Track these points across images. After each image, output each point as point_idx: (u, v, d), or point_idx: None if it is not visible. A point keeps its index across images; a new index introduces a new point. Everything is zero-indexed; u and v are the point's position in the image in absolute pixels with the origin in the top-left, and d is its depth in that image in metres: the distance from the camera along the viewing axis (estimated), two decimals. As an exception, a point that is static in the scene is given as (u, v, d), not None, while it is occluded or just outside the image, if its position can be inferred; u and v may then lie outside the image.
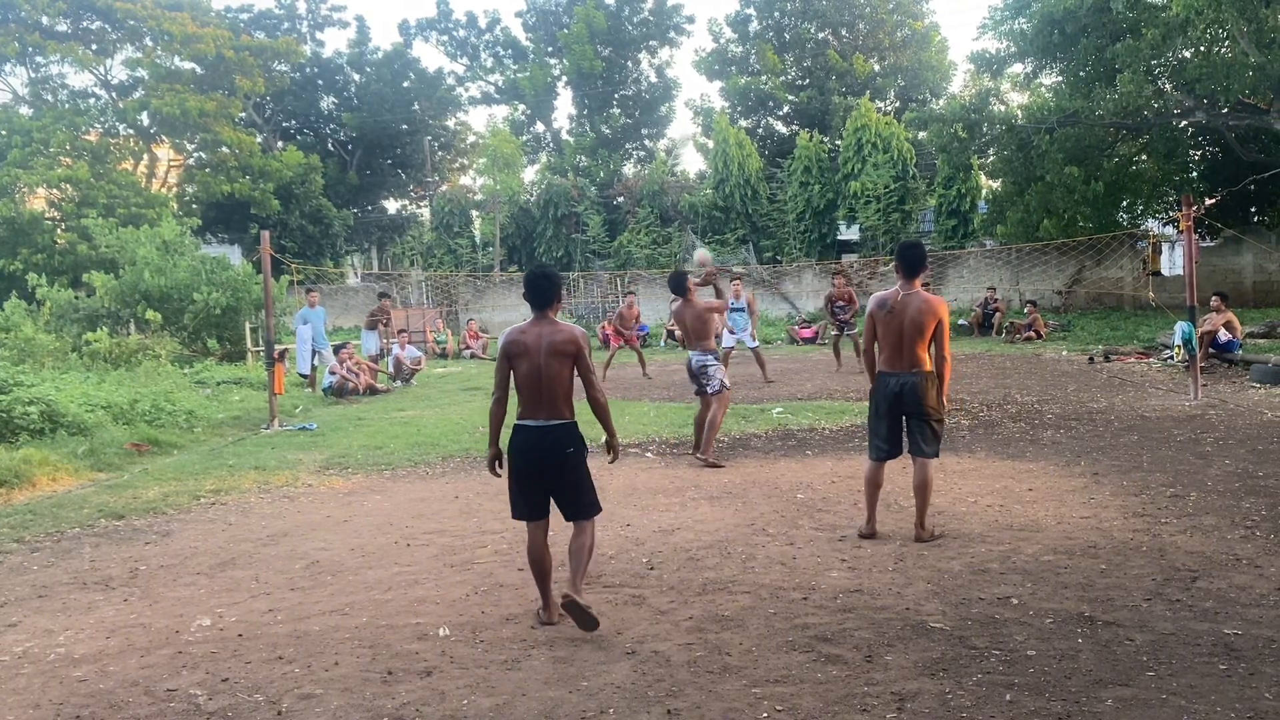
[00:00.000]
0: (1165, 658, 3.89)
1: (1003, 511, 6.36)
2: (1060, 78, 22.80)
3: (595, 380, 4.70)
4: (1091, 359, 16.21)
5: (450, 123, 44.91)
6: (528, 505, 4.61)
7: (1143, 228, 25.32)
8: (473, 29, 43.69)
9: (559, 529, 4.75)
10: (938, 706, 3.54)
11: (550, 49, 39.85)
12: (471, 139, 45.20)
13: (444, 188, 38.74)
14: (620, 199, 32.45)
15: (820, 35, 36.57)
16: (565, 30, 37.81)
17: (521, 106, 40.44)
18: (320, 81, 42.09)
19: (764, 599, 4.81)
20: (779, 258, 30.10)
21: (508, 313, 27.03)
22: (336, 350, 15.64)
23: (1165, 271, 26.54)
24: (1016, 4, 21.64)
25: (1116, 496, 6.66)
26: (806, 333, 23.55)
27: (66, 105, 31.11)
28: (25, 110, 30.88)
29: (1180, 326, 13.18)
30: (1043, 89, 24.33)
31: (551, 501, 4.66)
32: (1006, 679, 3.75)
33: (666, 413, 11.73)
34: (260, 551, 6.14)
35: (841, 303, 16.03)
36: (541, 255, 31.90)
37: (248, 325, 19.00)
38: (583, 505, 4.65)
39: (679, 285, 8.71)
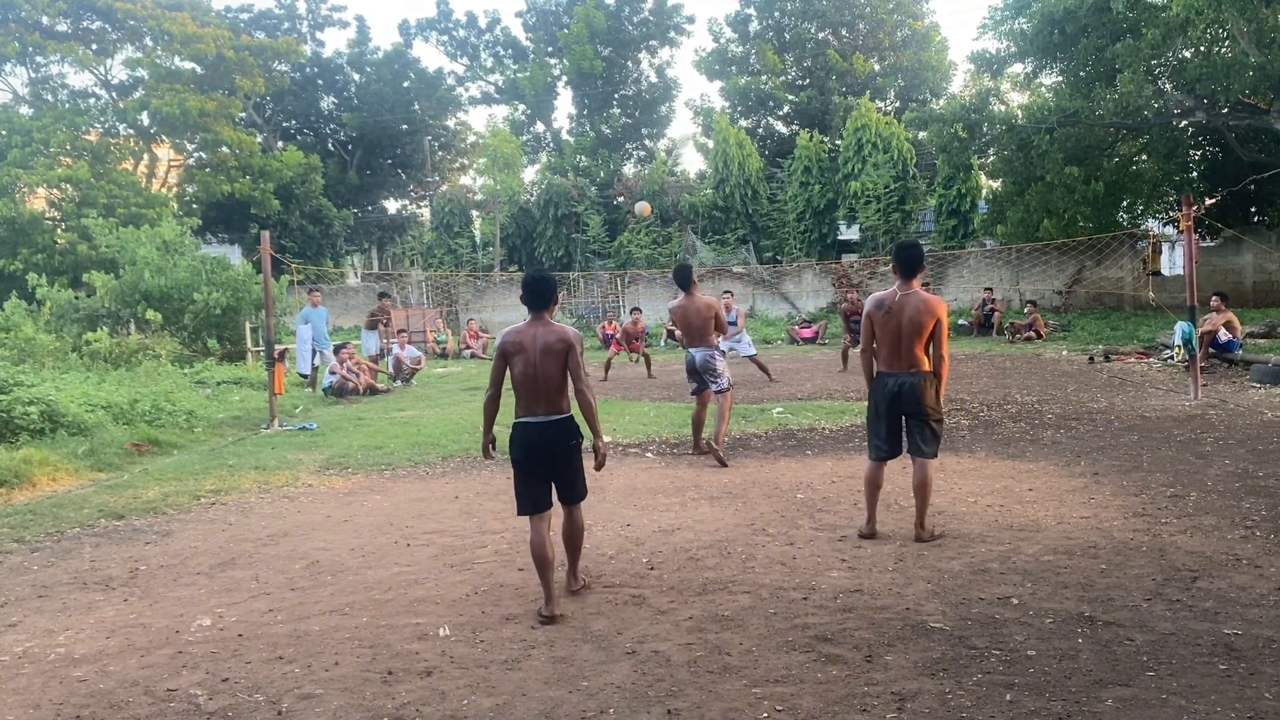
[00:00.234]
0: (1165, 658, 3.89)
1: (1003, 511, 6.36)
2: (1060, 78, 22.81)
3: (584, 377, 4.87)
4: (1091, 359, 16.20)
5: (450, 123, 44.92)
6: (532, 500, 4.82)
7: (1143, 228, 25.31)
8: (473, 29, 43.72)
9: (554, 530, 4.93)
10: (938, 706, 3.54)
11: (550, 49, 39.85)
12: (471, 139, 45.22)
13: (444, 188, 38.75)
14: (620, 199, 32.45)
15: (820, 35, 36.58)
16: (565, 30, 37.81)
17: (521, 106, 40.43)
18: (320, 81, 42.08)
19: (764, 599, 4.81)
20: (779, 258, 30.11)
21: (508, 313, 27.02)
22: (337, 350, 15.65)
23: (1165, 271, 26.55)
24: (1016, 4, 21.63)
25: (1116, 496, 6.66)
26: (806, 333, 23.53)
27: (66, 105, 31.08)
28: (25, 110, 30.84)
29: (1180, 326, 13.17)
30: (1043, 89, 24.35)
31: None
32: (1006, 679, 3.75)
33: (666, 413, 11.73)
34: (260, 551, 6.14)
35: (857, 317, 16.28)
36: (541, 255, 31.89)
37: (248, 325, 19.00)
38: (578, 490, 4.96)
39: (684, 278, 8.59)
